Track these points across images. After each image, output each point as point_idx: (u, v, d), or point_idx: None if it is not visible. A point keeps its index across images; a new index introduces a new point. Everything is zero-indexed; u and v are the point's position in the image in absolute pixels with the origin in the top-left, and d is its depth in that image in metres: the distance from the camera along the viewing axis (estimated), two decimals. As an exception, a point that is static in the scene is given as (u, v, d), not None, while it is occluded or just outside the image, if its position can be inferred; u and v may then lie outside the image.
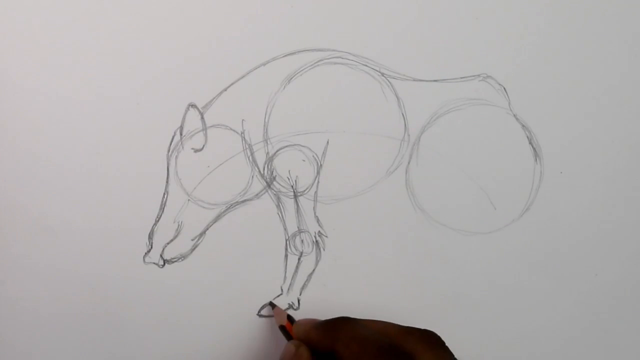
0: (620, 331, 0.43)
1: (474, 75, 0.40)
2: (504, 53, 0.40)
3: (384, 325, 0.33)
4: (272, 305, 0.39)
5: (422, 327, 0.33)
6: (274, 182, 0.39)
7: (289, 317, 0.37)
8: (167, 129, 0.38)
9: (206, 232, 0.38)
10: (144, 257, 0.38)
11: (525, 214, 0.41)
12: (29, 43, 0.36)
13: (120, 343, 0.38)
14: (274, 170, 0.39)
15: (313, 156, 0.39)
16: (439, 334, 0.32)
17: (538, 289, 0.42)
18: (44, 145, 0.37)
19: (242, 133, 0.38)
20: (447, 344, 0.32)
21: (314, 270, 0.40)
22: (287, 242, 0.39)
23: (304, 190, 0.39)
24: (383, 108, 0.39)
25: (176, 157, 0.38)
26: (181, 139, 0.38)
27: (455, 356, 0.32)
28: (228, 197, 0.38)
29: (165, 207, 0.38)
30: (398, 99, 0.39)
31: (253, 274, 0.39)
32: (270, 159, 0.39)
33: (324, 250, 0.39)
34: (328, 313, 0.39)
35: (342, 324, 0.33)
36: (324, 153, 0.39)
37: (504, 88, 0.40)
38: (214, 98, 0.38)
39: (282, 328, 0.37)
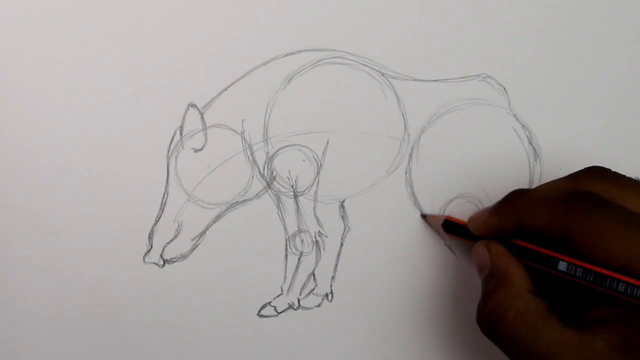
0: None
1: (474, 75, 0.40)
2: (504, 53, 0.40)
3: (546, 186, 0.32)
4: (423, 216, 0.38)
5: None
6: (274, 182, 0.39)
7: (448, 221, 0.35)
8: (167, 129, 0.38)
9: (206, 232, 0.38)
10: (144, 257, 0.38)
11: (525, 214, 0.41)
12: (29, 43, 0.36)
13: (120, 343, 0.38)
14: (274, 170, 0.39)
15: (313, 156, 0.39)
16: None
17: (538, 289, 0.42)
18: (44, 145, 0.37)
19: (242, 133, 0.38)
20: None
21: (314, 270, 0.40)
22: (287, 242, 0.39)
23: (304, 190, 0.39)
24: (383, 108, 0.39)
25: (176, 157, 0.38)
26: (181, 139, 0.38)
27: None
28: (228, 197, 0.38)
29: (165, 207, 0.38)
30: (398, 99, 0.39)
31: (253, 274, 0.39)
32: (270, 159, 0.39)
33: (324, 250, 0.39)
34: (328, 313, 0.39)
35: (516, 196, 0.32)
36: (324, 153, 0.39)
37: (504, 88, 0.40)
38: (214, 98, 0.38)
39: (451, 228, 0.35)
